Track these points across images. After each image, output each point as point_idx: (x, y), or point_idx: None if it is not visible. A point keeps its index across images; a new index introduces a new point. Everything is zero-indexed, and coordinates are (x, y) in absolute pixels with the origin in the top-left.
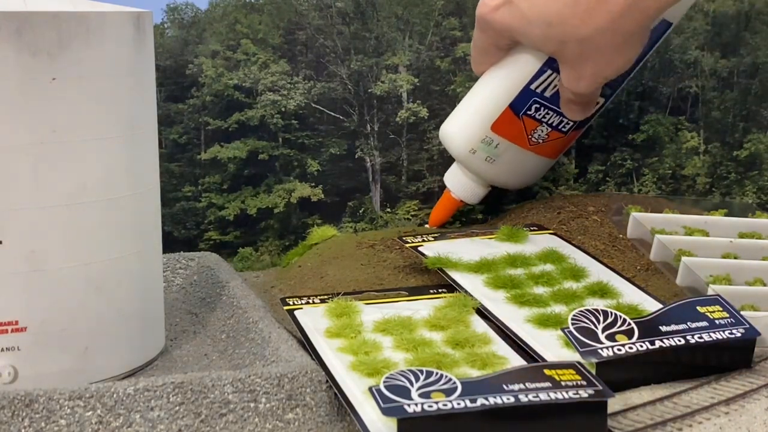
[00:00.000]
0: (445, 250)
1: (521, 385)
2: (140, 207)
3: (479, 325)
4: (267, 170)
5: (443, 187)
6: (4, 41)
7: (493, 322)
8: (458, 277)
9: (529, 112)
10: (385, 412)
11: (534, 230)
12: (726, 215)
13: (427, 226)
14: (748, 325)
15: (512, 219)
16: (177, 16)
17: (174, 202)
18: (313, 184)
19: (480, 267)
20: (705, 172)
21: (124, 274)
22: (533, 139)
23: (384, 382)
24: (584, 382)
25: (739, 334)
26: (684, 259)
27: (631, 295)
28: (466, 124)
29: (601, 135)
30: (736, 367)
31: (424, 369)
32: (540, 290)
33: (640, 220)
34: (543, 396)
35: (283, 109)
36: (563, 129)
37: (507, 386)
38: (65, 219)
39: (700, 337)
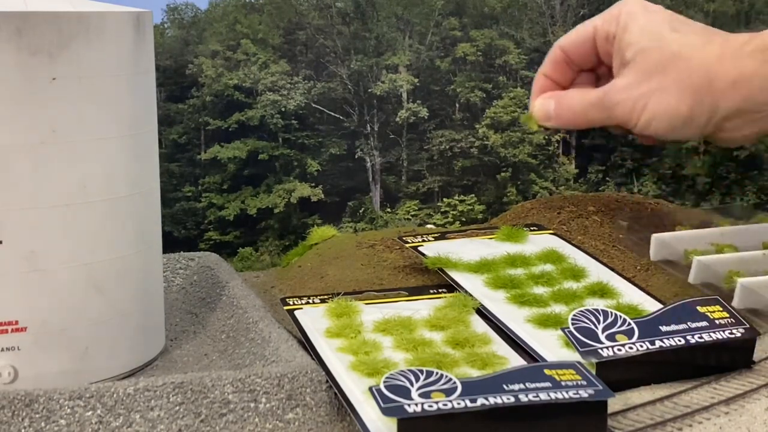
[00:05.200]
0: (445, 250)
1: (521, 385)
2: (140, 207)
3: (479, 325)
4: (267, 170)
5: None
6: (4, 41)
7: (493, 322)
8: (458, 277)
9: None
10: (385, 412)
11: (534, 230)
12: (733, 222)
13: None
14: (748, 325)
15: (512, 219)
16: (177, 16)
17: (174, 202)
18: (313, 184)
19: (480, 267)
20: (705, 172)
21: (124, 274)
22: None
23: (384, 382)
24: (584, 382)
25: (739, 334)
26: (741, 280)
27: (631, 295)
28: None
29: (601, 135)
30: (736, 367)
31: (424, 369)
32: (540, 290)
33: (665, 240)
34: (543, 396)
35: (283, 109)
36: None
37: (507, 386)
38: (65, 219)
39: (700, 337)
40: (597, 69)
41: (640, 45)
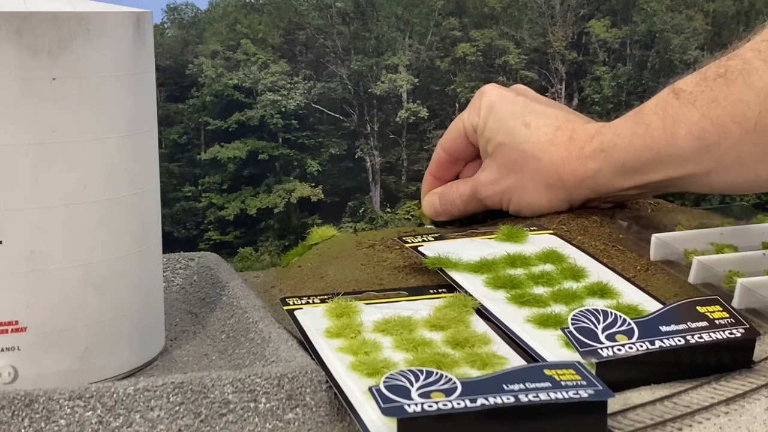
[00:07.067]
0: (445, 250)
1: (521, 385)
2: (140, 207)
3: (479, 325)
4: (267, 170)
5: None
6: (4, 41)
7: (493, 322)
8: (458, 277)
9: None
10: (385, 412)
11: (534, 230)
12: (733, 223)
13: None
14: (748, 325)
15: (512, 219)
16: (177, 16)
17: (174, 202)
18: (313, 184)
19: (480, 267)
20: None
21: (124, 274)
22: None
23: (384, 382)
24: (584, 382)
25: (739, 334)
26: (741, 281)
27: (631, 295)
28: None
29: None
30: (736, 367)
31: (424, 369)
32: (540, 290)
33: (665, 240)
34: (543, 396)
35: (283, 109)
36: None
37: (507, 386)
38: (65, 219)
39: (700, 337)
40: (480, 156)
41: (497, 140)
